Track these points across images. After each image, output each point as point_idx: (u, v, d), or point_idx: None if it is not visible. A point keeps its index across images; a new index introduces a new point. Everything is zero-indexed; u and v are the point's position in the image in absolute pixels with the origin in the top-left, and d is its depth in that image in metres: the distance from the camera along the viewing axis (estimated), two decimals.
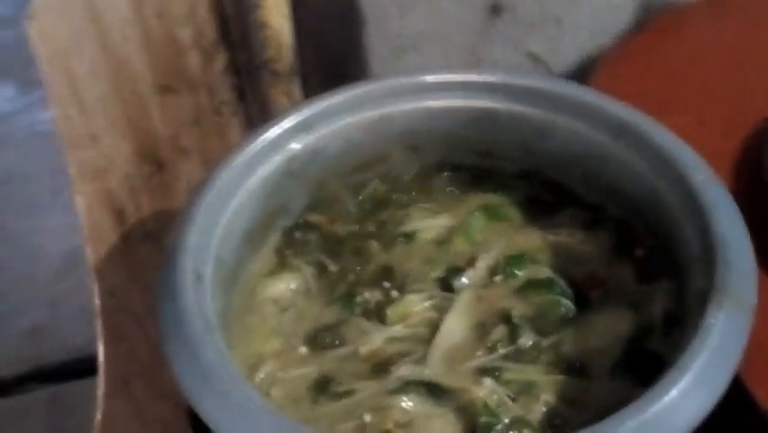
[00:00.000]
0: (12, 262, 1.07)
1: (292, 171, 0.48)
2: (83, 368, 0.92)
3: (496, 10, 0.70)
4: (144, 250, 0.55)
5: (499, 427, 0.39)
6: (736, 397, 0.37)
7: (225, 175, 0.45)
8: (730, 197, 0.41)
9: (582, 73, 0.71)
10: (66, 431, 0.87)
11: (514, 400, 0.40)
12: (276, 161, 0.48)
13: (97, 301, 0.52)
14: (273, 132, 0.47)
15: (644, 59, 0.63)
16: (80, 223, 0.50)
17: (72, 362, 0.96)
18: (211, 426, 0.36)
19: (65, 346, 0.96)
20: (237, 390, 0.36)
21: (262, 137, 0.47)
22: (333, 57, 0.69)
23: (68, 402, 0.91)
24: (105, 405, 0.53)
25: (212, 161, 0.61)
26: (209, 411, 0.36)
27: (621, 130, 0.46)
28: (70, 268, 1.06)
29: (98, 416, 0.52)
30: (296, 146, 0.48)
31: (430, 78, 0.50)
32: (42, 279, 1.05)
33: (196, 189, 0.45)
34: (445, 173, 0.52)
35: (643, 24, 0.67)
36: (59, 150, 0.50)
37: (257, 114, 0.66)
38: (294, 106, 0.50)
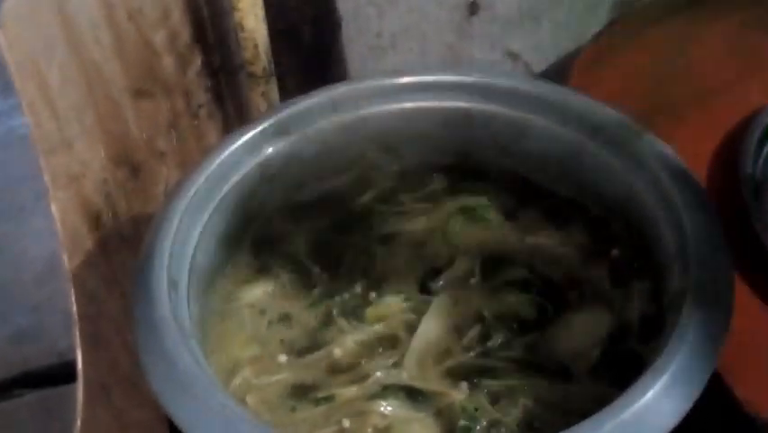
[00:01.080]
0: None
1: (268, 175, 0.48)
2: (68, 373, 0.91)
3: (474, 8, 0.69)
4: (122, 255, 0.55)
5: (478, 430, 0.39)
6: (718, 397, 0.37)
7: (200, 180, 0.45)
8: (707, 196, 0.41)
9: (561, 71, 0.71)
10: None
11: (492, 403, 0.40)
12: (251, 164, 0.47)
13: (75, 308, 0.52)
14: (248, 136, 0.47)
15: (623, 57, 0.63)
16: (56, 229, 0.49)
17: (57, 366, 0.95)
18: None
19: (50, 351, 0.96)
20: (213, 397, 0.36)
21: (237, 141, 0.47)
22: (310, 58, 0.69)
23: (54, 407, 0.90)
24: (85, 412, 0.53)
25: (189, 165, 0.61)
26: (185, 419, 0.36)
27: (598, 129, 0.46)
28: (53, 272, 1.05)
29: (78, 423, 0.52)
30: (271, 150, 0.48)
31: (405, 80, 0.49)
32: (25, 283, 1.04)
33: (170, 195, 0.45)
34: (423, 174, 0.52)
35: (620, 20, 0.67)
36: (34, 156, 0.49)
37: (234, 116, 0.65)
38: (268, 110, 0.49)
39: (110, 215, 0.54)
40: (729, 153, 0.54)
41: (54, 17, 0.48)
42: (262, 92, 0.63)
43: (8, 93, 1.29)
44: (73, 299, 0.52)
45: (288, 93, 0.66)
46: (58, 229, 0.50)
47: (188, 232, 0.43)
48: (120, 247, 0.55)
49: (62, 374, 0.93)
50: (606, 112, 0.46)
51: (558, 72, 0.72)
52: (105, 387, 0.54)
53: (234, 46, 0.62)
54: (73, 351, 0.55)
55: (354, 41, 0.70)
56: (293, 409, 0.41)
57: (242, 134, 0.47)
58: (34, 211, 1.12)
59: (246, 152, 0.47)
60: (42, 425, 0.90)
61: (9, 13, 0.44)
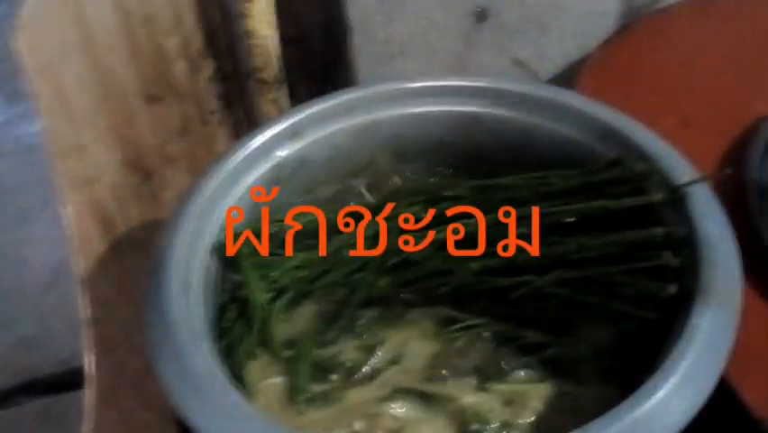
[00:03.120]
0: (0, 274, 1.06)
1: (279, 179, 0.48)
2: (73, 380, 0.91)
3: (481, 16, 0.70)
4: (132, 260, 0.55)
5: (488, 432, 0.39)
6: (723, 401, 0.37)
7: (212, 183, 0.45)
8: (716, 199, 0.42)
9: (568, 78, 0.71)
10: None
11: (503, 406, 0.40)
12: (263, 168, 0.48)
13: (86, 312, 0.52)
14: (259, 140, 0.48)
15: (630, 63, 0.64)
16: (69, 233, 0.50)
17: (62, 374, 0.95)
18: None
19: (54, 359, 0.96)
20: (226, 397, 0.36)
21: (249, 145, 0.47)
22: (320, 65, 0.69)
23: (58, 415, 0.90)
24: (94, 415, 0.53)
25: (199, 171, 0.61)
26: (199, 420, 0.36)
27: (606, 134, 0.46)
28: (58, 280, 1.05)
29: (90, 426, 0.52)
30: (282, 153, 0.48)
31: (416, 85, 0.50)
32: (31, 291, 1.05)
33: (184, 198, 0.45)
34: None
35: (627, 28, 0.68)
36: (47, 160, 0.50)
37: (244, 122, 0.66)
38: (282, 114, 0.50)
39: (122, 219, 0.54)
40: (735, 159, 0.55)
41: (71, 22, 0.48)
42: (272, 98, 0.64)
43: (16, 100, 1.30)
44: (84, 302, 0.53)
45: (297, 100, 0.66)
46: (70, 233, 0.51)
47: (201, 235, 0.44)
48: (131, 252, 0.55)
49: (67, 382, 0.93)
50: (615, 117, 0.47)
51: (564, 80, 0.72)
52: (112, 390, 0.54)
53: (245, 52, 0.63)
54: (84, 355, 0.55)
55: (362, 48, 0.70)
56: (302, 411, 0.41)
57: (256, 137, 0.47)
58: (39, 218, 1.13)
59: (258, 155, 0.47)
60: (47, 432, 0.90)
61: (27, 17, 0.44)
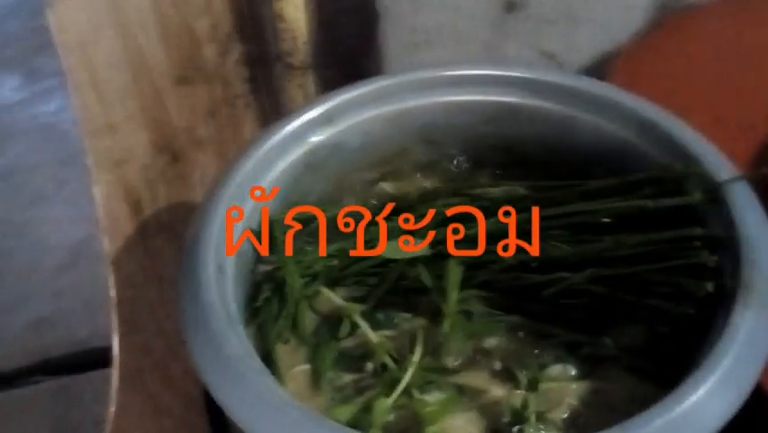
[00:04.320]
0: (17, 253, 1.06)
1: (312, 164, 0.48)
2: (89, 360, 0.92)
3: (510, 7, 0.69)
4: (159, 241, 0.55)
5: (523, 426, 0.39)
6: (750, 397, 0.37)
7: (246, 167, 0.45)
8: (756, 198, 0.41)
9: (596, 72, 0.71)
10: (72, 423, 0.87)
11: (537, 401, 0.40)
12: (296, 153, 0.47)
13: (113, 293, 0.52)
14: (294, 124, 0.47)
15: (661, 58, 0.63)
16: (97, 213, 0.50)
17: (78, 354, 0.96)
18: (234, 419, 0.35)
19: (70, 339, 0.96)
20: (262, 383, 0.36)
21: (283, 129, 0.47)
22: (346, 51, 0.69)
23: (73, 395, 0.91)
24: (119, 396, 0.53)
25: (226, 154, 0.61)
26: (233, 404, 0.36)
27: (644, 127, 0.46)
28: (75, 260, 1.06)
29: (112, 408, 0.52)
30: (316, 139, 0.48)
31: (451, 73, 0.49)
32: (47, 271, 1.05)
33: (217, 181, 0.45)
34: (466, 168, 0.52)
35: (659, 23, 0.67)
36: (77, 140, 0.50)
37: (270, 107, 0.65)
38: (314, 99, 0.49)
39: (150, 201, 0.54)
40: (765, 156, 0.55)
41: (103, 1, 0.48)
42: (299, 84, 0.64)
43: (34, 79, 1.30)
44: (110, 283, 0.53)
45: (323, 86, 0.66)
46: (99, 214, 0.51)
47: (234, 218, 0.44)
48: (158, 233, 0.55)
49: (82, 362, 0.94)
50: (652, 110, 0.46)
51: (592, 73, 0.72)
52: (138, 372, 0.54)
53: (272, 37, 0.63)
54: (97, 337, 0.55)
55: (389, 36, 0.70)
56: (334, 398, 0.41)
57: (289, 122, 0.47)
58: (56, 198, 1.13)
59: (292, 139, 0.47)
60: (62, 412, 0.90)
61: None
